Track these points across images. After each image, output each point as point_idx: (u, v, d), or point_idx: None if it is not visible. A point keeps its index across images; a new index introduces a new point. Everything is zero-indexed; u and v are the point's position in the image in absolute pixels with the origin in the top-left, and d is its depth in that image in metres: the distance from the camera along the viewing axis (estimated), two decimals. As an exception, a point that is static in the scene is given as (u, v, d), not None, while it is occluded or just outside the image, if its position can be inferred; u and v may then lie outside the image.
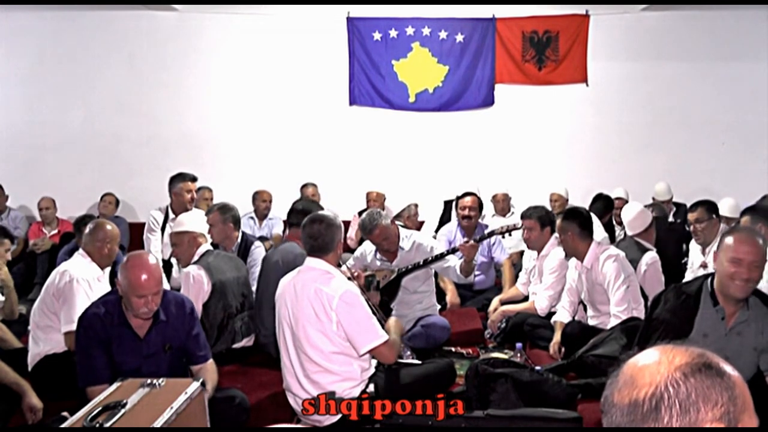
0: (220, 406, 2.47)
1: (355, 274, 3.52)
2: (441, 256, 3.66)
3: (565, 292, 3.66)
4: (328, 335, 2.57)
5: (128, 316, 2.45)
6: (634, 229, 3.96)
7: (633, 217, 3.99)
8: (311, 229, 2.71)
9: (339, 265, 2.88)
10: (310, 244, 2.71)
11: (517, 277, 4.44)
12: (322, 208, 3.65)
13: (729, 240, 2.28)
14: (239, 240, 4.09)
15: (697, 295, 2.38)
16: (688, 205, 4.16)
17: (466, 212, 4.56)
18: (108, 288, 3.26)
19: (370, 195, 5.71)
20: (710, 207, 4.01)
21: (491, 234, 3.89)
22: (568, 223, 3.45)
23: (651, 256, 3.70)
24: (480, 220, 4.83)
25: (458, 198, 4.79)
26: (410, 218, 4.60)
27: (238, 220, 4.07)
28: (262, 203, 5.86)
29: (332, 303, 2.54)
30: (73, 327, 2.94)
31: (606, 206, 5.63)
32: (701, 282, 2.41)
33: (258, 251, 4.02)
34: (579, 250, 3.45)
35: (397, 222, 4.12)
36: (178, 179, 4.63)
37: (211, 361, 2.65)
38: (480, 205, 4.66)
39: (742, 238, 2.26)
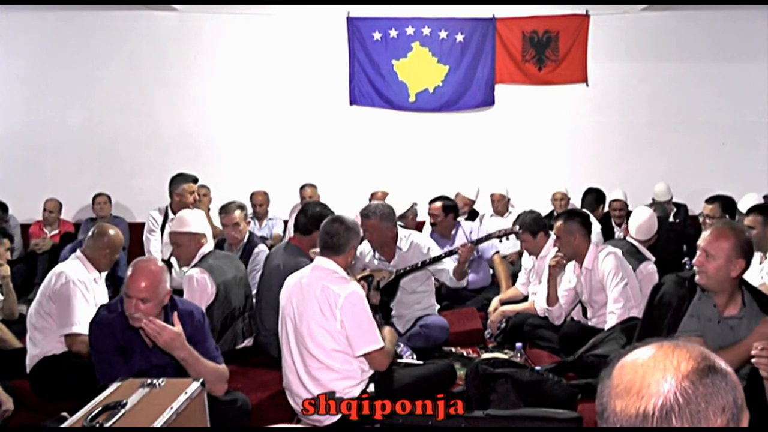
0: (222, 408, 2.46)
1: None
2: (438, 258, 3.67)
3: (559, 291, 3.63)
4: (331, 333, 2.60)
5: None
6: (638, 234, 3.86)
7: (641, 222, 3.88)
8: (330, 227, 2.75)
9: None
10: (324, 240, 2.74)
11: (516, 276, 4.45)
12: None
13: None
14: (245, 240, 4.10)
15: (693, 279, 2.41)
16: (705, 198, 4.05)
17: (431, 219, 4.60)
18: (104, 290, 3.25)
19: (375, 195, 5.69)
20: (726, 205, 3.88)
21: (489, 237, 3.89)
22: (574, 224, 3.41)
23: (650, 267, 3.64)
24: (462, 218, 4.88)
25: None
26: (413, 219, 4.59)
27: (248, 216, 4.23)
28: (257, 206, 5.85)
29: (338, 302, 2.57)
30: (73, 329, 2.94)
31: (597, 199, 5.64)
32: None
33: (262, 255, 3.99)
34: (581, 252, 3.43)
35: (399, 222, 4.14)
36: (179, 180, 4.63)
37: (222, 366, 2.56)
38: (453, 208, 4.63)
39: (713, 229, 2.33)
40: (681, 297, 2.42)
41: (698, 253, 2.32)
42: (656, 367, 0.86)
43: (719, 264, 2.26)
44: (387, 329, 2.99)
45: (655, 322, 2.44)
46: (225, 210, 4.13)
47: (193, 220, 3.49)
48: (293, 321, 2.68)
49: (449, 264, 3.72)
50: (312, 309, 2.61)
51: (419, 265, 3.65)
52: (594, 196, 5.67)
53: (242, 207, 4.14)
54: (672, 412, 0.82)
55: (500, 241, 4.11)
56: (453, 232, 4.61)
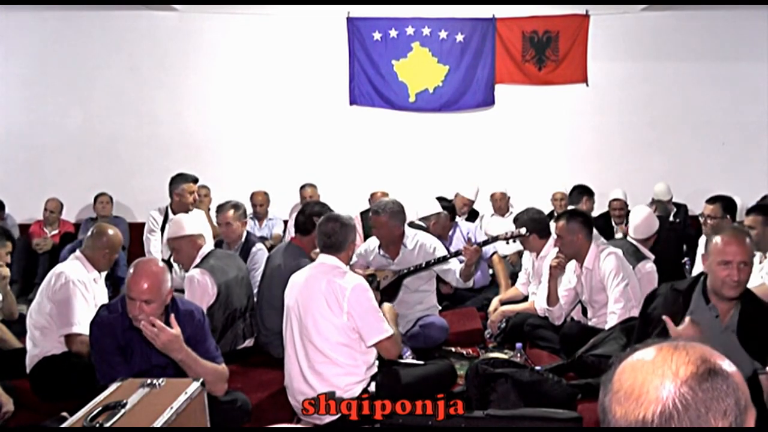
0: (222, 408, 2.46)
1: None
2: (443, 259, 3.67)
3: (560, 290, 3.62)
4: (337, 326, 2.63)
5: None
6: (637, 233, 3.85)
7: (640, 221, 3.86)
8: (326, 227, 2.80)
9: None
10: (323, 241, 2.80)
11: (515, 276, 4.44)
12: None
13: (717, 241, 2.26)
14: (242, 239, 4.11)
15: (688, 292, 2.38)
16: (706, 198, 4.04)
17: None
18: (104, 290, 3.25)
19: (375, 195, 5.67)
20: (727, 206, 3.86)
21: (495, 239, 3.87)
22: (576, 224, 3.40)
23: (648, 266, 3.63)
24: (462, 218, 4.88)
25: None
26: (436, 224, 4.50)
27: (245, 215, 4.25)
28: (258, 206, 5.85)
29: (345, 294, 2.62)
30: (73, 329, 2.94)
31: (581, 193, 5.60)
32: (693, 280, 2.42)
33: (260, 254, 4.00)
34: (582, 252, 3.42)
35: (420, 222, 4.18)
36: (179, 180, 4.63)
37: (221, 366, 2.54)
38: (449, 210, 4.62)
39: (730, 239, 2.24)
40: (673, 313, 2.32)
41: (727, 269, 2.21)
42: (655, 373, 0.85)
43: (750, 269, 2.24)
44: (386, 306, 3.03)
45: (647, 334, 2.39)
46: (220, 209, 4.17)
47: (186, 223, 3.48)
48: (298, 317, 2.70)
49: (455, 264, 3.71)
50: (317, 303, 2.64)
51: (424, 265, 3.66)
52: (578, 191, 5.61)
53: (237, 206, 4.14)
54: (671, 419, 0.82)
55: (507, 243, 4.09)
56: (450, 233, 4.62)
